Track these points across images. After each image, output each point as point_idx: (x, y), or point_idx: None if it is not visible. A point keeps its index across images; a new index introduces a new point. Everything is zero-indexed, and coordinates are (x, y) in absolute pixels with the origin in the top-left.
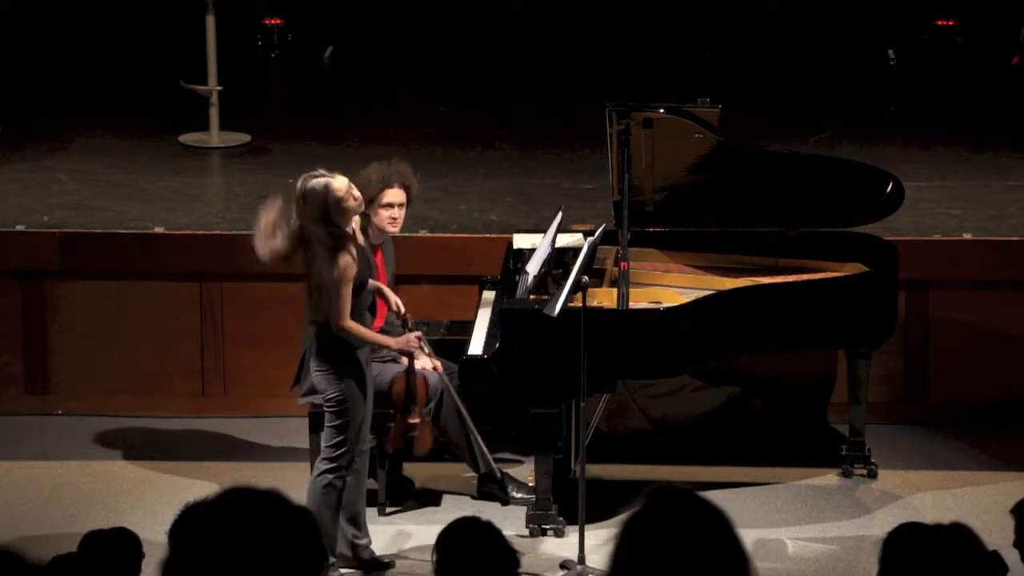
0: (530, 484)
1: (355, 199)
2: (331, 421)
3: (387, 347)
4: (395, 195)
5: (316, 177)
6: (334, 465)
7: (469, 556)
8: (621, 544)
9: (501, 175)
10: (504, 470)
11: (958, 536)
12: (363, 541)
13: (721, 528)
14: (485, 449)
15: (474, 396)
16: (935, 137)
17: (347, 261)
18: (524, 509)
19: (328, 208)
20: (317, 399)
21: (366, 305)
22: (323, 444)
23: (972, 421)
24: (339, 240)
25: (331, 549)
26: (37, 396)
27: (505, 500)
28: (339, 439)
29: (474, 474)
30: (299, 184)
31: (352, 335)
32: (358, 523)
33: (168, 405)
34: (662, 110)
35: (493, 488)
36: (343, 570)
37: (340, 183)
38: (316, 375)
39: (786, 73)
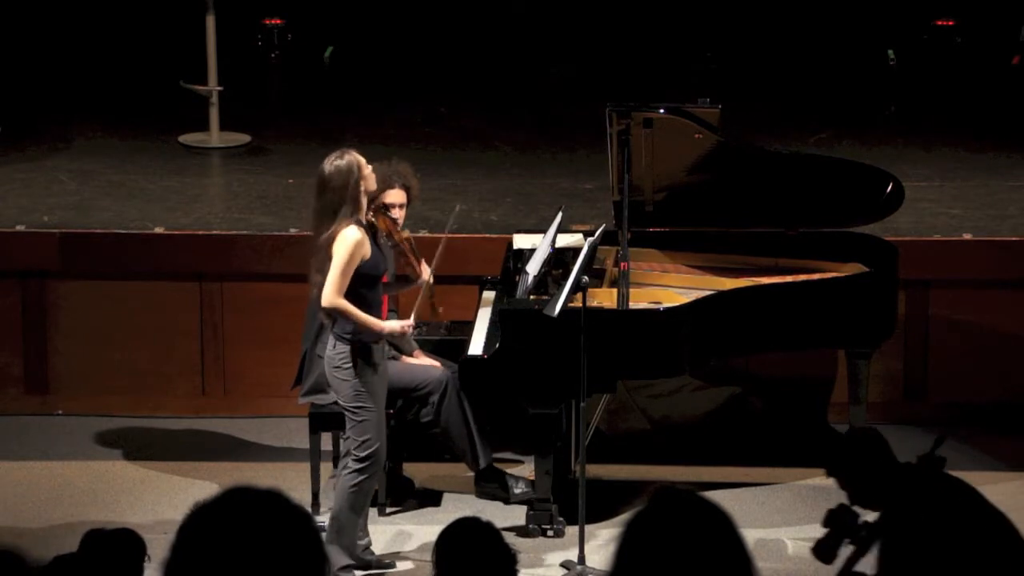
0: (529, 478)
1: (372, 179)
2: (354, 418)
3: (379, 330)
4: (395, 195)
5: (337, 157)
6: (364, 465)
7: (469, 556)
8: (623, 544)
9: (501, 175)
10: (504, 469)
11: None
12: (363, 542)
13: (724, 529)
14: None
15: (474, 396)
16: (935, 137)
17: (358, 238)
18: (524, 509)
19: (351, 182)
20: (319, 399)
21: (379, 299)
22: (351, 445)
23: (972, 421)
24: (354, 217)
25: (351, 552)
26: (37, 396)
27: (506, 498)
28: (367, 437)
29: (473, 474)
30: (322, 167)
31: (342, 313)
32: (359, 522)
33: (168, 405)
34: (662, 110)
35: (492, 487)
36: None
37: (362, 159)
38: (332, 372)
39: (786, 73)
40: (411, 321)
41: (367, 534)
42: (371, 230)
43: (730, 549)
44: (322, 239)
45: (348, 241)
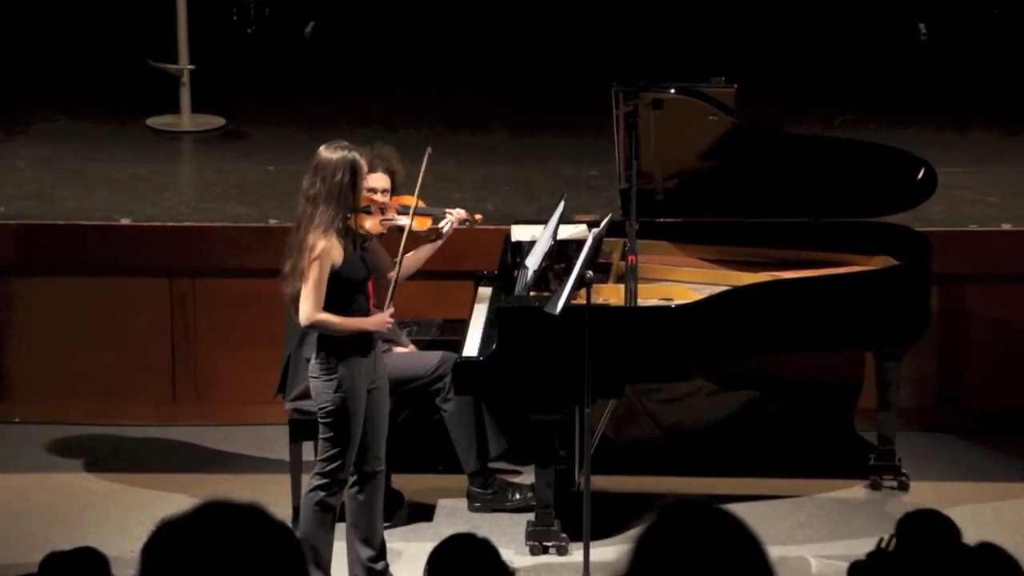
0: (528, 483)
1: (366, 188)
2: (324, 433)
3: (362, 328)
4: (378, 180)
5: (342, 149)
6: (327, 481)
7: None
8: (634, 562)
9: (498, 161)
10: (502, 478)
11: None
12: (379, 565)
13: (745, 544)
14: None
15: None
16: (970, 118)
17: (324, 247)
18: (523, 525)
19: (338, 180)
20: (307, 404)
21: (364, 305)
22: (317, 458)
23: (1011, 428)
24: (333, 222)
25: (325, 571)
26: None
27: (501, 508)
28: (332, 453)
29: (467, 483)
30: (321, 150)
31: (327, 327)
32: (373, 544)
33: (135, 412)
34: (673, 90)
35: (486, 496)
36: None
37: (364, 166)
38: (312, 381)
39: (810, 50)
40: (390, 310)
41: (384, 556)
42: (351, 237)
43: (752, 566)
44: (299, 235)
45: (314, 254)
